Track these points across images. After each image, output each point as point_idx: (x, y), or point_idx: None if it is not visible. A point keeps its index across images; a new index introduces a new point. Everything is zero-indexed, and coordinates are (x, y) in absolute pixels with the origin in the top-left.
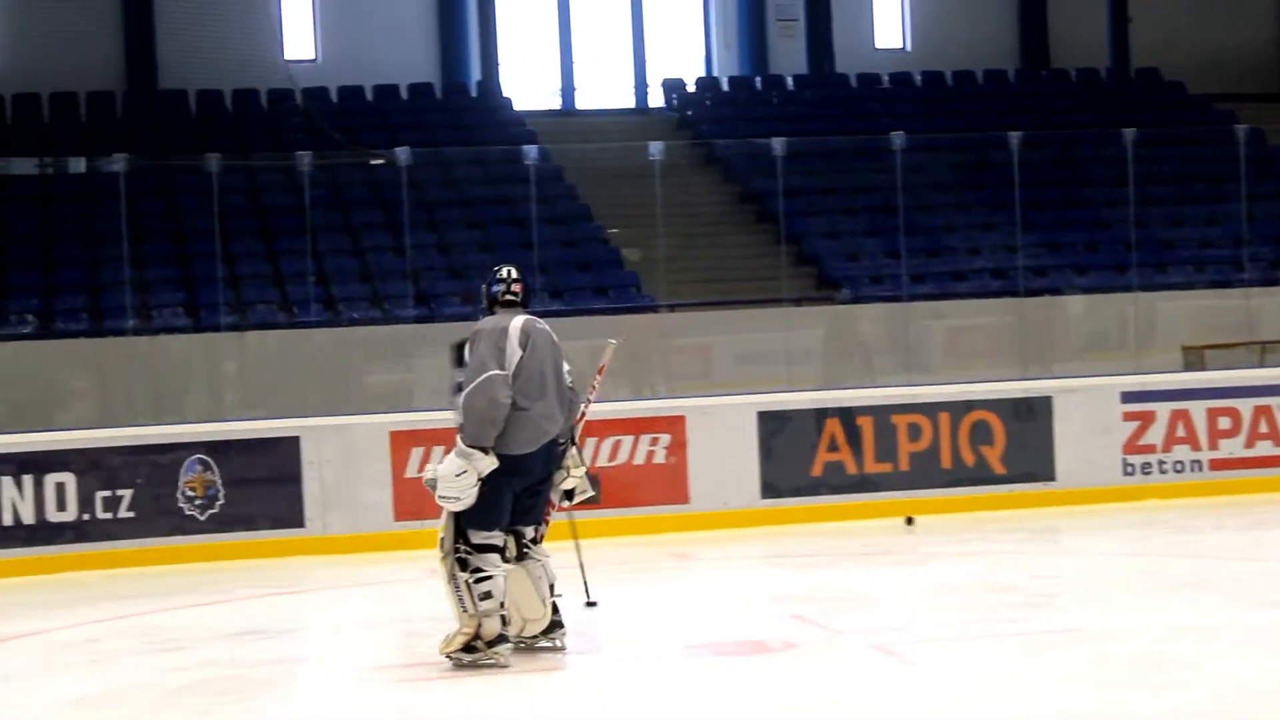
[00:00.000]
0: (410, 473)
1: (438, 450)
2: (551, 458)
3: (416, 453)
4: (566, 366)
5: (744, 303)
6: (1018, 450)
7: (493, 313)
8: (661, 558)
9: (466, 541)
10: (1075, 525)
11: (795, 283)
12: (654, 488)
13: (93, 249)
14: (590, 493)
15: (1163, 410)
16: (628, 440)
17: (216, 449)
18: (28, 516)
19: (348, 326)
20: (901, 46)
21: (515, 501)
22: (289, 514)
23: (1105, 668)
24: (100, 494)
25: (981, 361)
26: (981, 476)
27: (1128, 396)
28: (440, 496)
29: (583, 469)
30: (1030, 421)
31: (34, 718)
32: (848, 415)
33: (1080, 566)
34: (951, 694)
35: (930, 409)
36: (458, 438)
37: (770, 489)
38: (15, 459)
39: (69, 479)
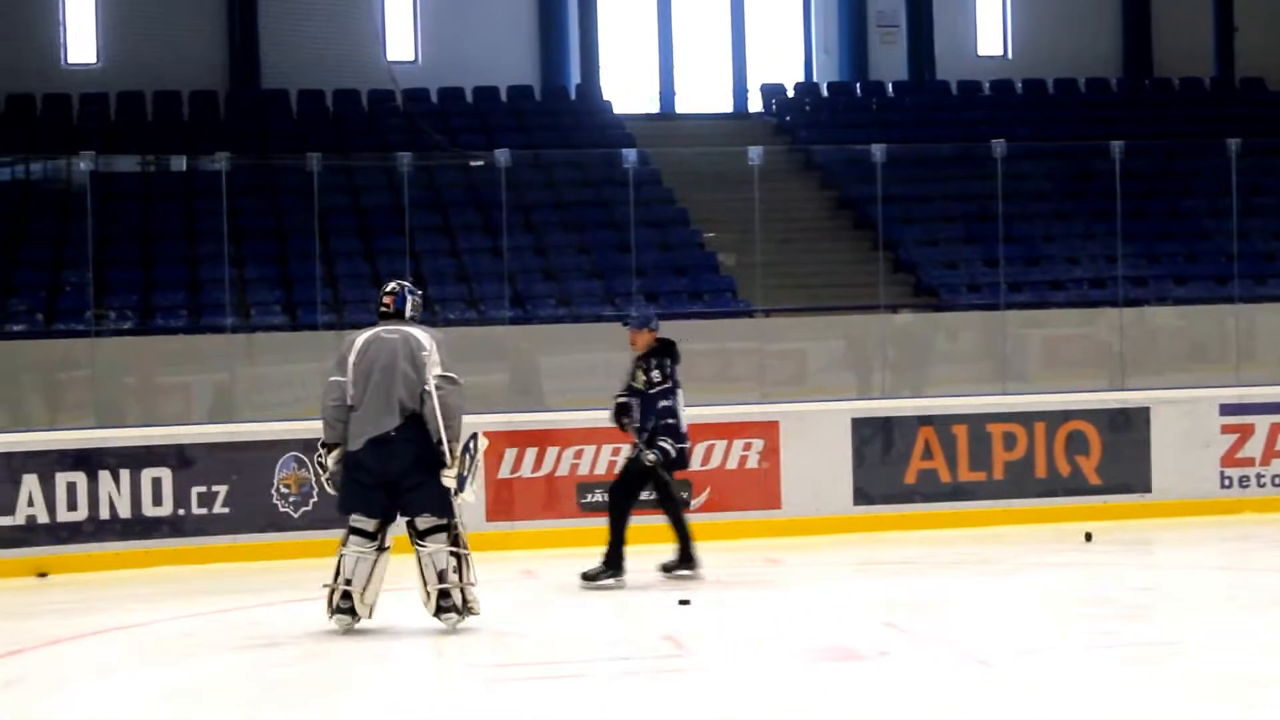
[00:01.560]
0: (503, 473)
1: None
2: (387, 453)
3: (510, 453)
4: (435, 368)
5: (840, 308)
6: (1114, 461)
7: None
8: (753, 563)
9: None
10: (1171, 538)
11: (892, 289)
12: (747, 493)
13: (193, 246)
14: (462, 494)
15: (1262, 423)
16: (721, 445)
17: (312, 447)
18: (124, 511)
19: (443, 326)
20: (1003, 54)
21: (391, 492)
22: None
23: (1200, 683)
24: (196, 489)
25: (1078, 371)
26: (1076, 487)
27: (1226, 409)
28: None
29: (453, 470)
30: (1127, 432)
31: (131, 709)
32: (942, 423)
33: (1176, 579)
34: (1043, 706)
35: (1026, 418)
36: None
37: (863, 496)
38: (114, 454)
39: (165, 474)
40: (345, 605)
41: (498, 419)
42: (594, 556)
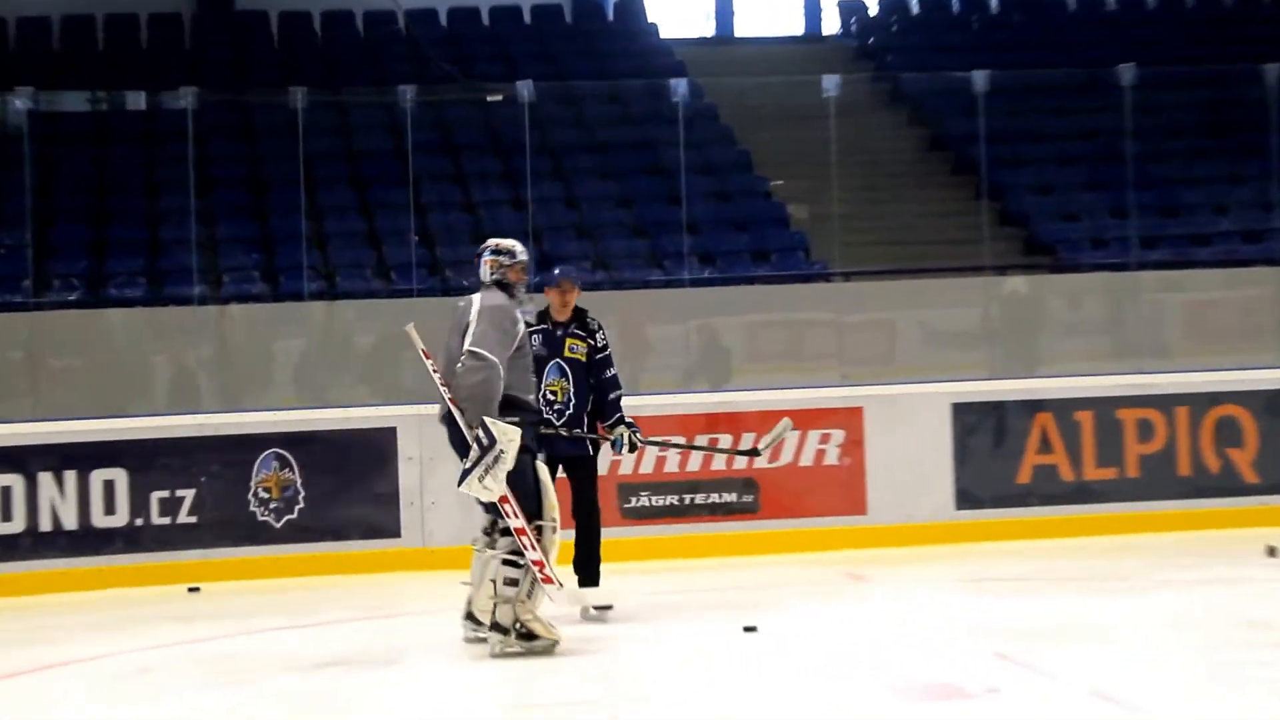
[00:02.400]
0: None
1: None
2: (449, 437)
3: None
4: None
5: (936, 270)
6: (1274, 454)
7: None
8: (833, 580)
9: None
10: None
11: (999, 247)
12: (824, 495)
13: (153, 201)
14: (462, 486)
15: None
16: (792, 437)
17: (296, 442)
18: (70, 521)
19: (458, 295)
20: None
21: None
22: (383, 521)
23: None
24: (157, 495)
25: (1229, 345)
26: (1228, 486)
27: None
28: None
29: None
30: None
31: None
32: (1063, 409)
33: None
34: None
35: (1165, 402)
36: None
37: (967, 498)
38: (56, 451)
39: (119, 476)
40: (466, 609)
41: None
42: (639, 574)
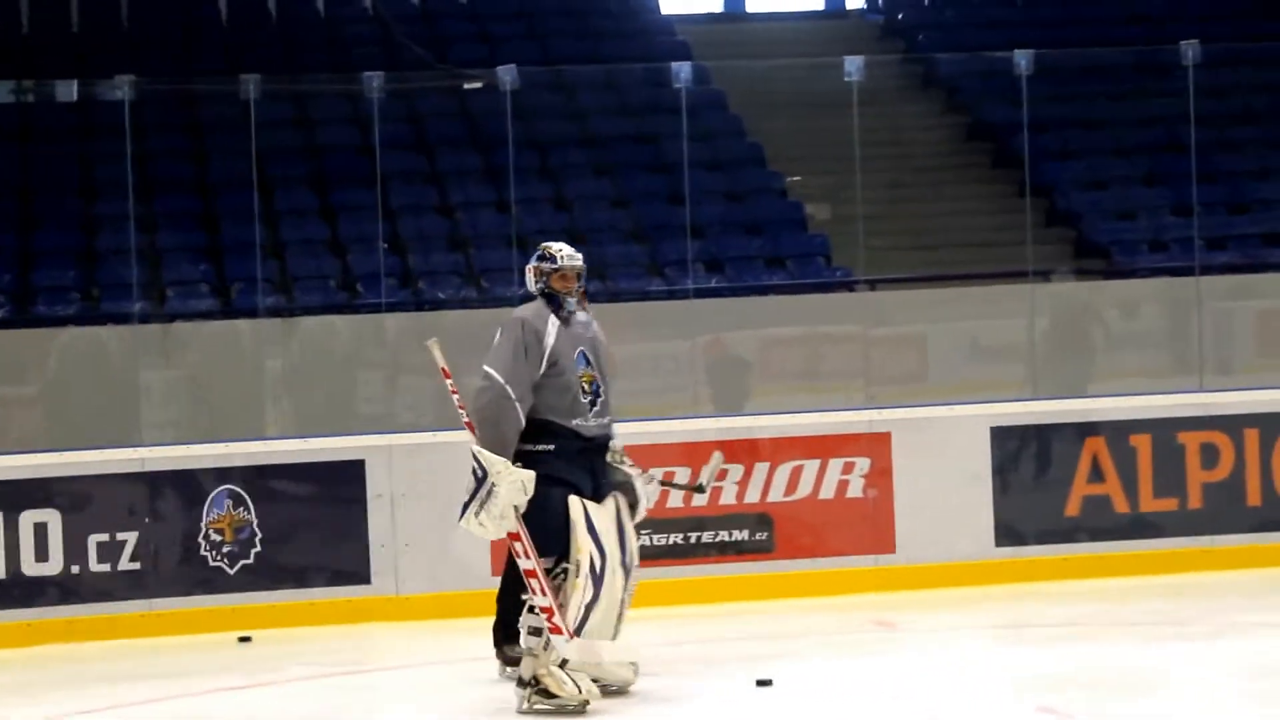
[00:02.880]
0: None
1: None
2: None
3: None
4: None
5: (974, 277)
6: None
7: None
8: (859, 627)
9: None
10: None
11: (1045, 250)
12: (848, 531)
13: (87, 204)
14: (461, 521)
15: None
16: (811, 466)
17: (252, 477)
18: None
19: (433, 310)
20: None
21: None
22: (351, 566)
23: None
24: (95, 538)
25: None
26: None
27: None
28: None
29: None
30: None
31: None
32: (1117, 432)
33: None
34: None
35: (1233, 424)
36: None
37: (1008, 534)
38: None
39: (52, 518)
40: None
41: None
42: (638, 620)
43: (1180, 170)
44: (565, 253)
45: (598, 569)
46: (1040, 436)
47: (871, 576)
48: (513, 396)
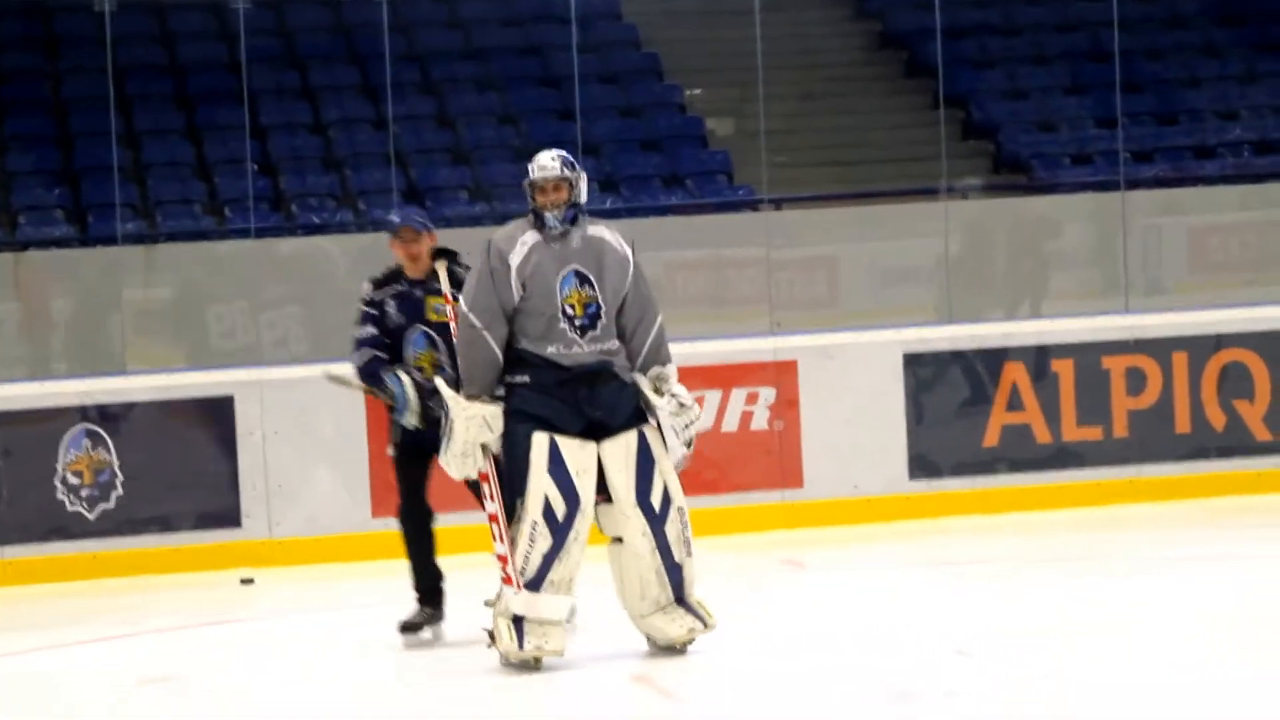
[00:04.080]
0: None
1: None
2: None
3: None
4: None
5: (885, 194)
6: None
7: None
8: (766, 566)
9: None
10: None
11: (961, 164)
12: (753, 466)
13: None
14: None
15: None
16: (713, 397)
17: (112, 416)
18: None
19: (308, 235)
20: None
21: None
22: (218, 509)
23: None
24: None
25: (1237, 277)
26: (1234, 446)
27: None
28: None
29: None
30: None
31: None
32: (1038, 357)
33: None
34: None
35: (1160, 348)
36: (670, 367)
37: (923, 466)
38: None
39: None
40: None
41: None
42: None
43: (1104, 79)
44: (538, 162)
45: (558, 515)
46: (956, 363)
47: (779, 513)
48: (478, 325)
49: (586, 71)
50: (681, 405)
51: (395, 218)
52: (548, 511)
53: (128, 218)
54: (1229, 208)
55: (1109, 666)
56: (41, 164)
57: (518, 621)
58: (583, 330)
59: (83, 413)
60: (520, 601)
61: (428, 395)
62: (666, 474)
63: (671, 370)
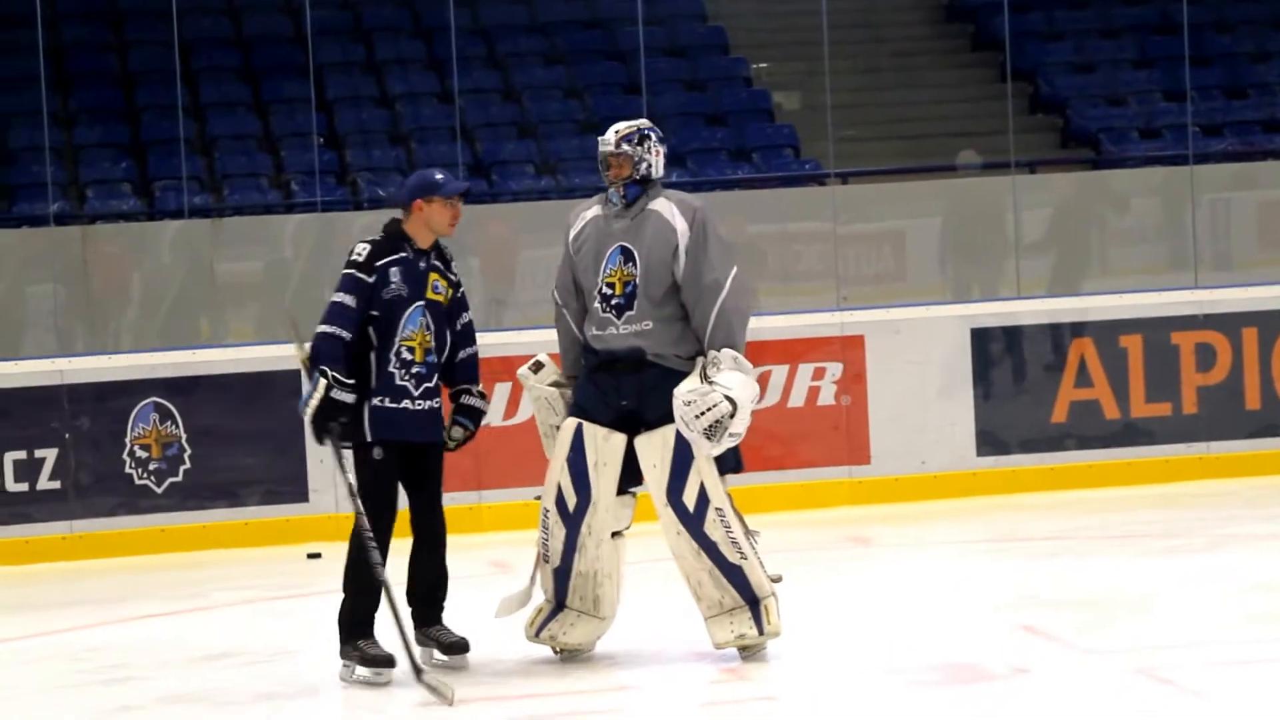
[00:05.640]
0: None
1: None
2: None
3: (501, 390)
4: None
5: (953, 169)
6: None
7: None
8: (832, 544)
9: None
10: None
11: (1029, 139)
12: (819, 442)
13: None
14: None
15: None
16: (779, 372)
17: (180, 389)
18: None
19: (370, 210)
20: None
21: None
22: (288, 483)
23: None
24: (11, 456)
25: None
26: None
27: None
28: (732, 434)
29: None
30: None
31: None
32: (1106, 333)
33: None
34: None
35: (1230, 323)
36: (725, 352)
37: (990, 442)
38: None
39: None
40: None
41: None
42: None
43: (1173, 52)
44: (604, 136)
45: (569, 507)
46: (1024, 338)
47: (845, 490)
48: (558, 302)
49: (652, 45)
50: (693, 393)
51: (441, 178)
52: (560, 501)
53: (194, 191)
54: None
55: (1178, 642)
56: (108, 137)
57: (554, 607)
58: (619, 310)
59: (150, 386)
60: (520, 594)
61: (333, 413)
62: (704, 472)
63: (726, 355)
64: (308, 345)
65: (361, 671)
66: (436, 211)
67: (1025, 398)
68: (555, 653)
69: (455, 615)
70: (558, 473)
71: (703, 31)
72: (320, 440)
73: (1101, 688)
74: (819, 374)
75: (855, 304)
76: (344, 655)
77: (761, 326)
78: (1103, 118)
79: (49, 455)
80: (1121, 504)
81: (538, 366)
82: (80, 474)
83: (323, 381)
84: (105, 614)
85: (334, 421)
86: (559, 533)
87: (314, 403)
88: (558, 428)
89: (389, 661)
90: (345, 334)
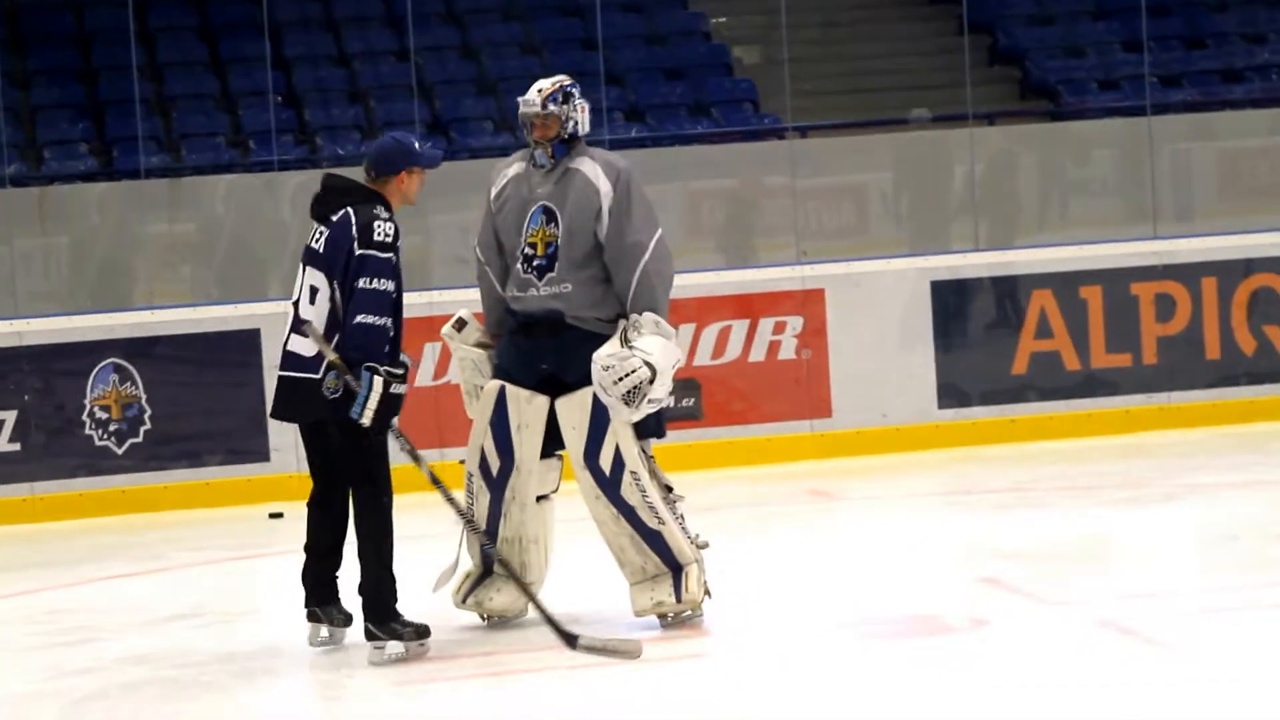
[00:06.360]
0: (427, 378)
1: None
2: None
3: (432, 350)
4: None
5: (911, 122)
6: None
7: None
8: (792, 497)
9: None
10: None
11: (987, 91)
12: (780, 396)
13: None
14: None
15: None
16: (740, 327)
17: (139, 350)
18: None
19: (332, 167)
20: None
21: None
22: (247, 442)
23: None
24: None
25: (1267, 203)
26: (1265, 371)
27: None
28: (651, 400)
29: None
30: None
31: None
32: (1067, 284)
33: None
34: (1217, 690)
35: (1189, 273)
36: (647, 316)
37: (951, 394)
38: None
39: None
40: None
41: (419, 299)
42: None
43: (1131, 2)
44: (525, 96)
45: (492, 470)
46: (984, 290)
47: (806, 443)
48: (480, 259)
49: (610, 0)
50: (611, 358)
51: (419, 147)
52: (483, 465)
53: (152, 151)
54: (1258, 132)
55: (1140, 593)
56: (66, 98)
57: (481, 573)
58: (540, 271)
59: (110, 347)
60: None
61: (396, 408)
62: (620, 435)
63: (648, 319)
64: (328, 347)
65: (412, 647)
66: (415, 182)
67: (985, 350)
68: (482, 619)
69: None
70: (481, 436)
71: None
72: (378, 435)
73: (1062, 639)
74: (779, 328)
75: (815, 258)
76: (385, 633)
77: (722, 281)
78: (1061, 69)
79: (8, 417)
80: (1083, 455)
81: (460, 324)
82: (40, 435)
83: (378, 379)
84: (66, 576)
85: (395, 415)
86: (483, 498)
87: (374, 404)
88: (482, 388)
89: (429, 630)
90: (387, 322)
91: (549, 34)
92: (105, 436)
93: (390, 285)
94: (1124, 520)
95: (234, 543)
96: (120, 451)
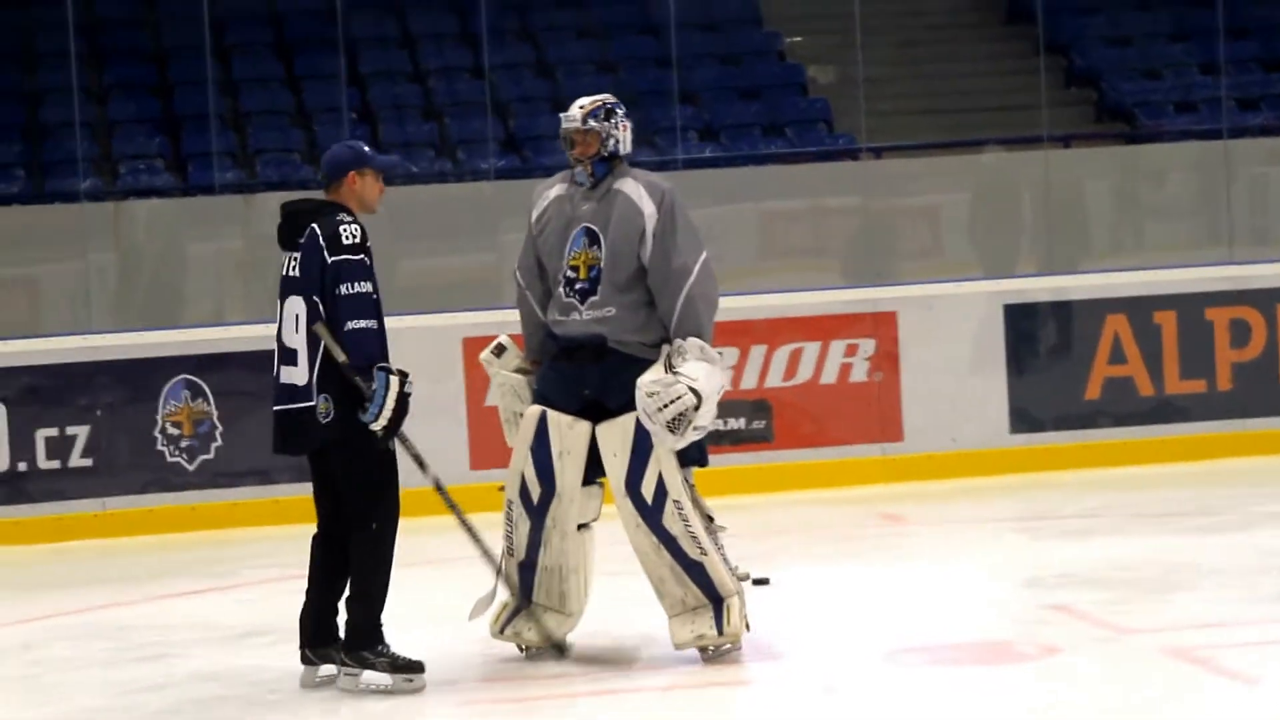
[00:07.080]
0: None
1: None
2: None
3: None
4: None
5: (987, 143)
6: None
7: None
8: (864, 521)
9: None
10: None
11: (1063, 113)
12: (851, 419)
13: (30, 76)
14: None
15: None
16: (811, 349)
17: (211, 366)
18: None
19: (404, 185)
20: None
21: None
22: None
23: None
24: (42, 433)
25: None
26: None
27: None
28: (697, 428)
29: None
30: None
31: None
32: (1141, 309)
33: None
34: None
35: (1265, 299)
36: (691, 341)
37: (1024, 420)
38: None
39: None
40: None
41: (489, 318)
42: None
43: (1208, 24)
44: (567, 113)
45: (533, 498)
46: (1058, 314)
47: (877, 467)
48: (520, 283)
49: (686, 19)
50: (656, 384)
51: (368, 149)
52: (524, 492)
53: (226, 166)
54: None
55: (1213, 621)
56: (142, 114)
57: (519, 603)
58: (583, 295)
59: (182, 363)
60: (490, 591)
61: (407, 409)
62: (663, 463)
63: (692, 344)
64: (339, 350)
65: (397, 680)
66: (369, 185)
67: (1058, 374)
68: (520, 650)
69: (421, 611)
70: (521, 462)
71: (736, 5)
72: (390, 440)
73: (1134, 668)
74: (851, 350)
75: (888, 280)
76: (360, 663)
77: (794, 302)
78: (1138, 91)
79: (80, 432)
80: (1155, 481)
81: (499, 350)
82: (111, 451)
83: (393, 379)
84: (137, 592)
85: (405, 417)
86: (523, 526)
87: (390, 404)
88: (521, 415)
89: (422, 666)
90: (375, 323)
91: (624, 52)
92: (176, 453)
93: (369, 287)
94: (1197, 548)
95: (303, 561)
96: (191, 468)
